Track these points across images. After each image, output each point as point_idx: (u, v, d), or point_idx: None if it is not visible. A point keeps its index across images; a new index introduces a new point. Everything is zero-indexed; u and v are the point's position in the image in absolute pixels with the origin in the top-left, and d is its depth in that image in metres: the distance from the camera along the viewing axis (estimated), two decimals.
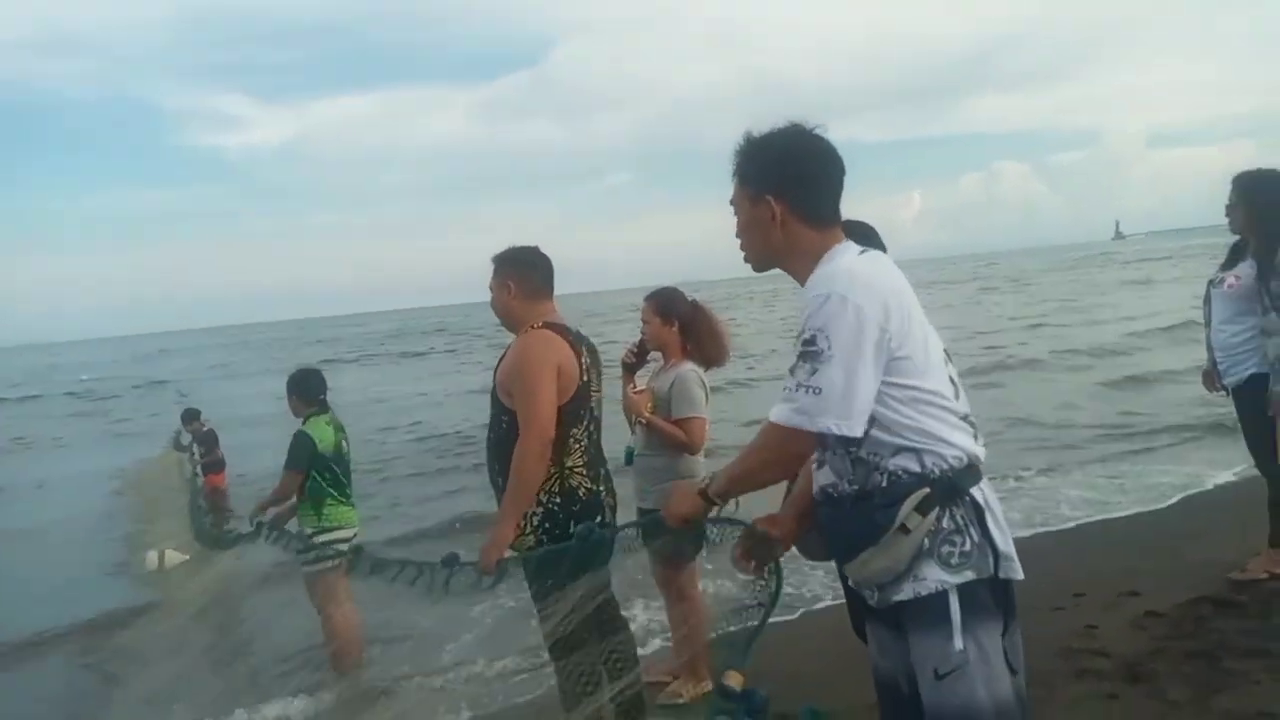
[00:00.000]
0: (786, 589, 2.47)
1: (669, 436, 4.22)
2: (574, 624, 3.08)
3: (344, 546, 5.10)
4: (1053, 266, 73.78)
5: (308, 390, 5.65)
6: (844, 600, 2.82)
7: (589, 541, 2.95)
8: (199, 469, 10.68)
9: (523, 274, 3.56)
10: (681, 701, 4.19)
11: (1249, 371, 4.59)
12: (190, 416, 11.39)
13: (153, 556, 7.10)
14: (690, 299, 4.51)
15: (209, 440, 11.12)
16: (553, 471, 3.38)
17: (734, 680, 2.17)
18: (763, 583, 2.35)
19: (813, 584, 6.00)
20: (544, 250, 3.65)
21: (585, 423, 3.49)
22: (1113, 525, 6.88)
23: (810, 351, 1.93)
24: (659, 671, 4.48)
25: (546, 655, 3.53)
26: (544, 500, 3.39)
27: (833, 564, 2.30)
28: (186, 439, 11.39)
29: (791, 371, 1.96)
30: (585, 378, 3.48)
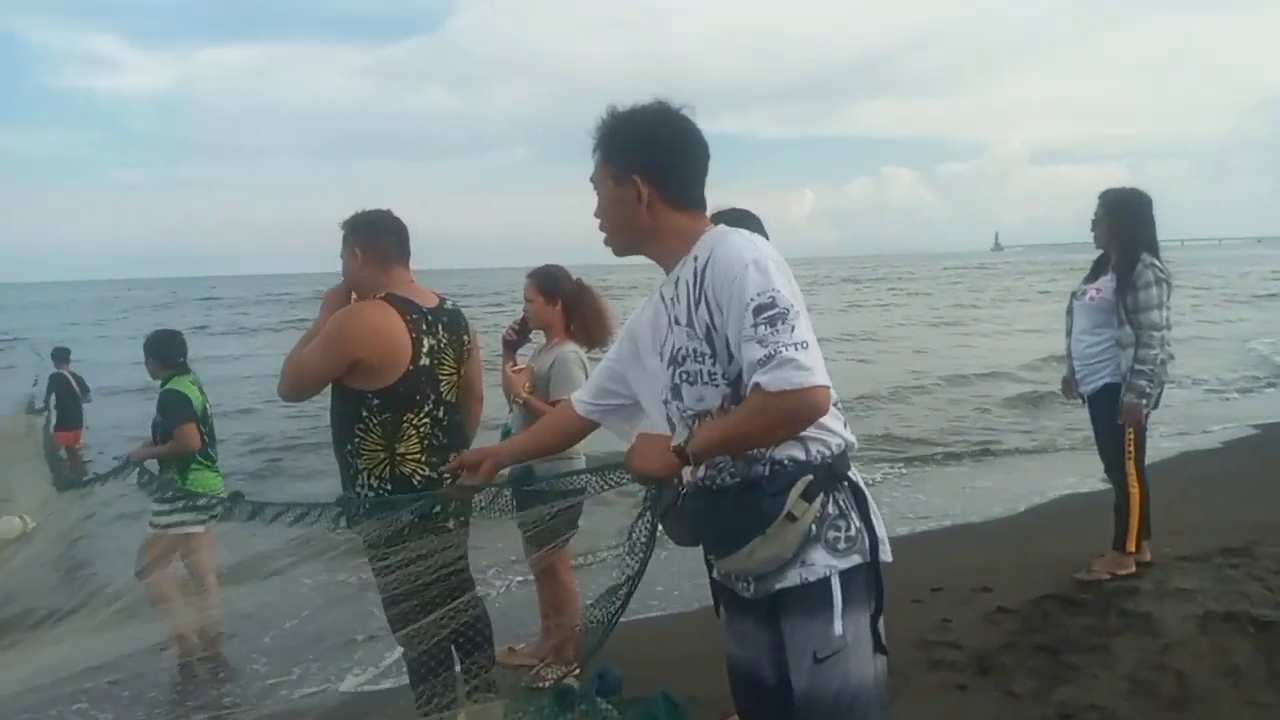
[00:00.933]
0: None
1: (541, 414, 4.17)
2: (412, 590, 2.99)
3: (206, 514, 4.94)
4: (937, 274, 76.26)
5: (167, 353, 5.43)
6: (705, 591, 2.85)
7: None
8: (49, 418, 9.98)
9: (370, 241, 3.32)
10: (545, 686, 4.17)
11: (1103, 381, 4.84)
12: (60, 356, 10.65)
13: (12, 522, 6.65)
14: (575, 278, 4.46)
15: (59, 386, 10.24)
16: (382, 457, 3.22)
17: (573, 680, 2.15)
18: (630, 559, 2.35)
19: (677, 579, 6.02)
20: (398, 215, 3.43)
21: (426, 407, 3.27)
22: (973, 528, 7.15)
23: (777, 313, 1.86)
24: (526, 654, 4.45)
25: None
26: (374, 484, 3.24)
27: (691, 552, 2.29)
28: (44, 396, 10.71)
29: (762, 341, 1.85)
30: (429, 360, 3.26)
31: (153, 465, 5.27)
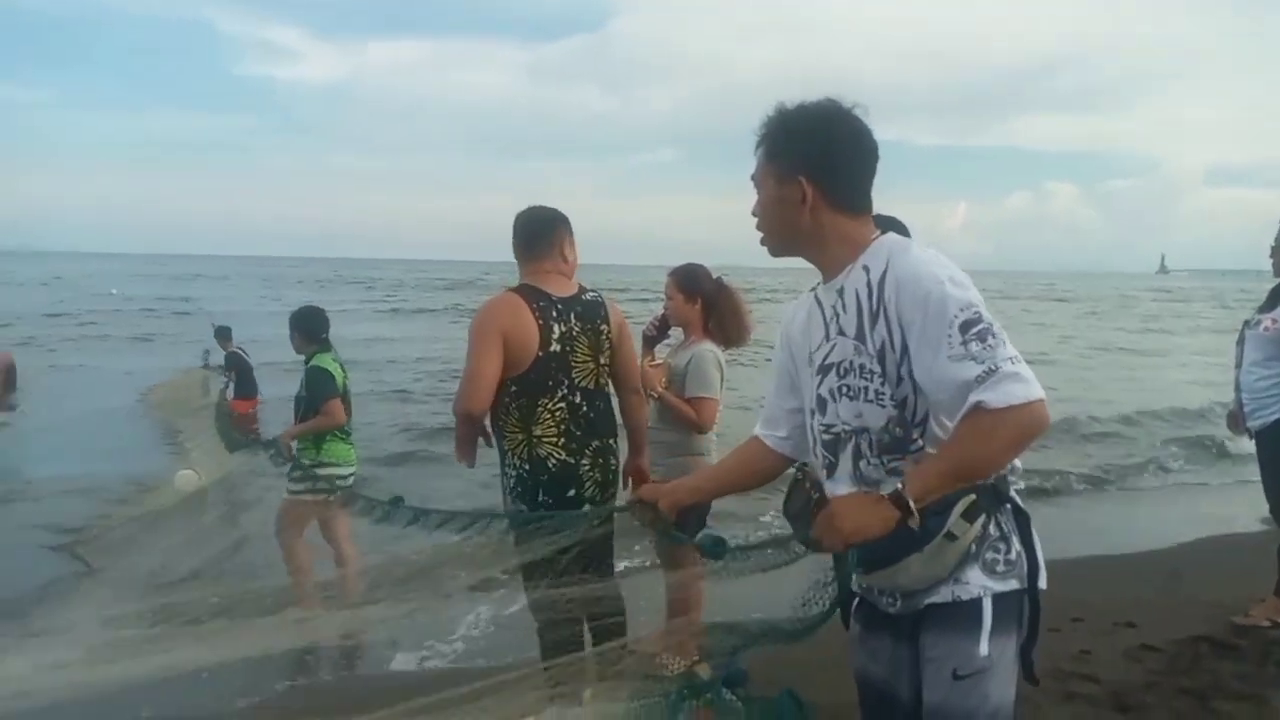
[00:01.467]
0: None
1: (679, 414, 4.20)
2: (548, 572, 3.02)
3: (339, 483, 5.37)
4: (1100, 294, 72.69)
5: (312, 328, 5.74)
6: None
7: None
8: (228, 387, 10.67)
9: (519, 235, 3.54)
10: (668, 674, 4.21)
11: (1274, 416, 4.54)
12: (223, 335, 11.38)
13: (190, 476, 7.01)
14: (716, 277, 4.47)
15: (237, 363, 11.01)
16: (520, 438, 3.39)
17: (703, 670, 2.15)
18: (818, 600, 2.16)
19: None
20: (556, 210, 3.60)
21: (560, 392, 3.39)
22: (1118, 560, 6.84)
23: (985, 328, 1.79)
24: (646, 645, 4.50)
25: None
26: (516, 465, 3.42)
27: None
28: (217, 358, 11.48)
29: (976, 358, 1.76)
30: (560, 346, 3.38)
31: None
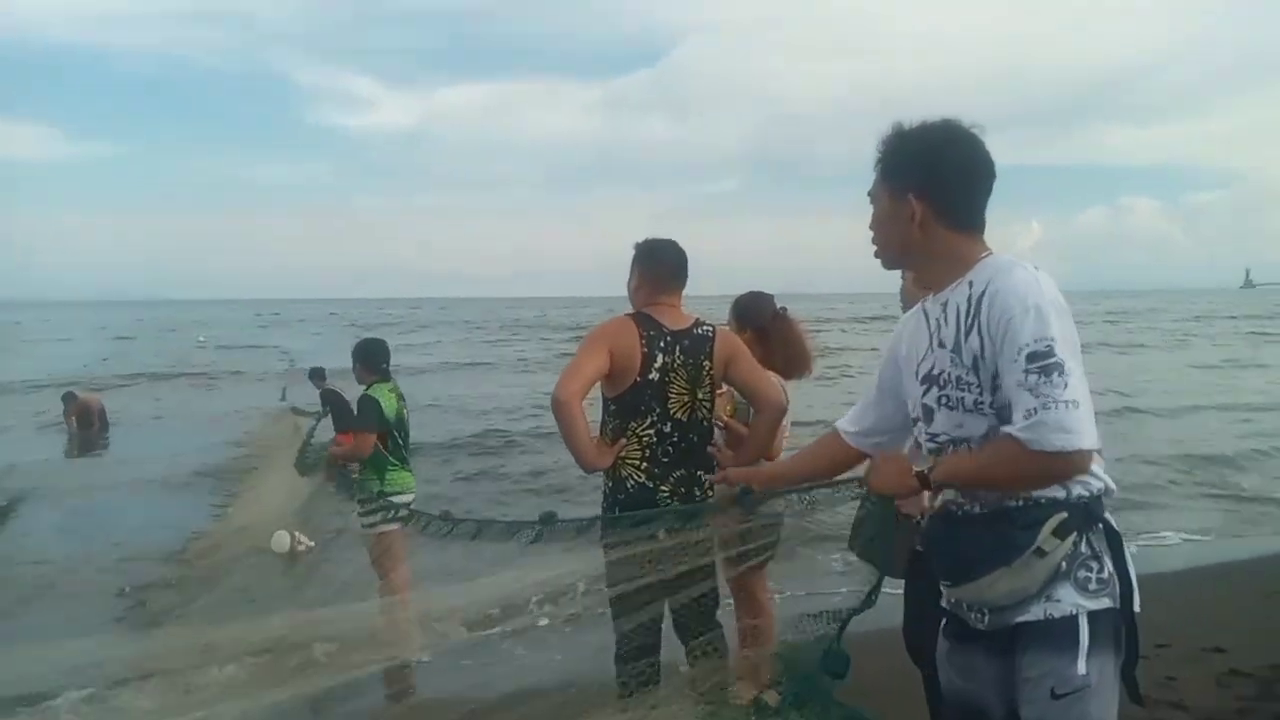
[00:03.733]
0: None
1: (738, 436, 4.20)
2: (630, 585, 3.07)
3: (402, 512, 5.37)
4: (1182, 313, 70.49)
5: (372, 359, 5.91)
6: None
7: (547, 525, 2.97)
8: (317, 424, 10.94)
9: (648, 267, 3.62)
10: (739, 703, 4.20)
11: None
12: (317, 375, 11.69)
13: (283, 537, 6.79)
14: (778, 308, 4.44)
15: (334, 400, 11.26)
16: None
17: (772, 699, 2.16)
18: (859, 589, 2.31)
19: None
20: (679, 245, 3.68)
21: (650, 419, 3.46)
22: (1205, 578, 6.64)
23: (1051, 364, 1.81)
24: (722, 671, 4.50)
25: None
26: (603, 482, 3.54)
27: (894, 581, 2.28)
28: (295, 396, 11.80)
29: (1034, 390, 1.81)
30: (659, 375, 3.44)
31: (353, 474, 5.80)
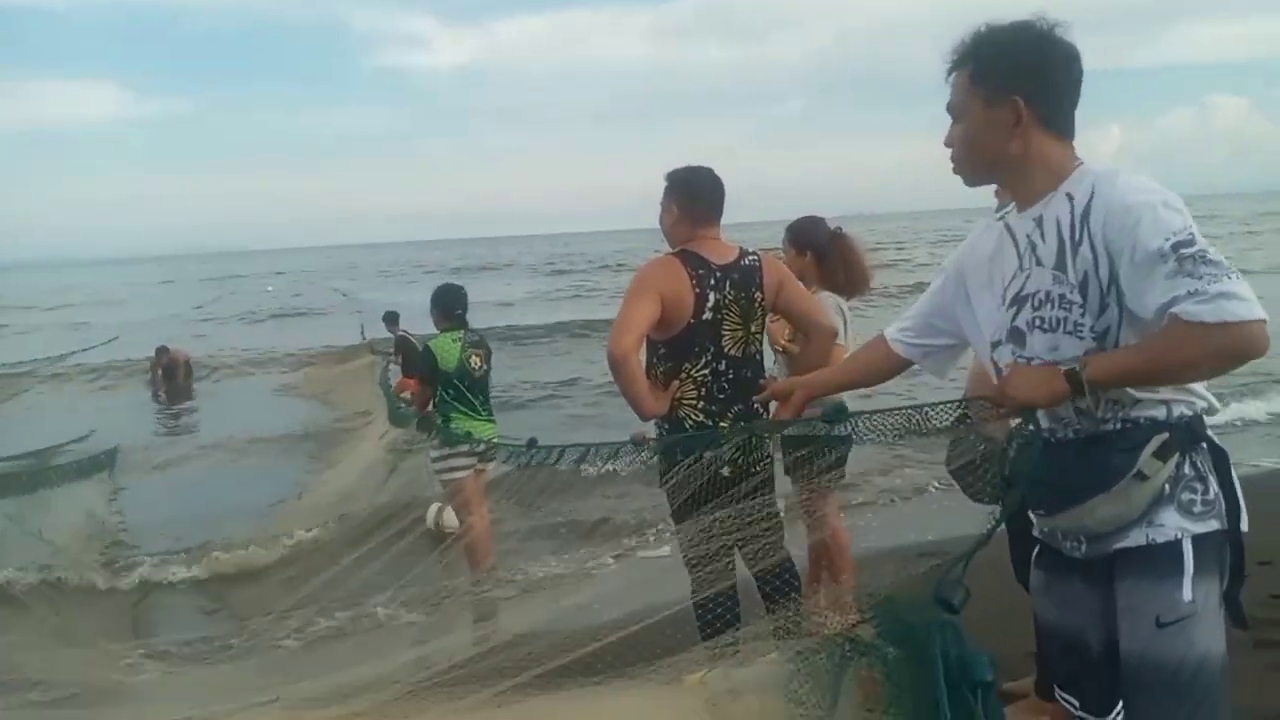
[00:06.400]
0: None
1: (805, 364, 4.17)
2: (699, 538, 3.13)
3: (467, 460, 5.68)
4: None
5: (448, 305, 5.98)
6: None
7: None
8: (387, 368, 11.24)
9: (685, 199, 3.51)
10: (827, 632, 4.17)
11: None
12: (391, 319, 12.02)
13: (443, 514, 6.56)
14: (834, 228, 4.48)
15: (405, 345, 11.49)
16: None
17: (865, 632, 2.11)
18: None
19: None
20: (715, 173, 3.58)
21: (705, 358, 3.40)
22: None
23: (1201, 249, 1.73)
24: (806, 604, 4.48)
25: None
26: (658, 424, 3.50)
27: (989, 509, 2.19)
28: (374, 334, 12.16)
29: (1191, 274, 1.70)
30: (711, 314, 3.37)
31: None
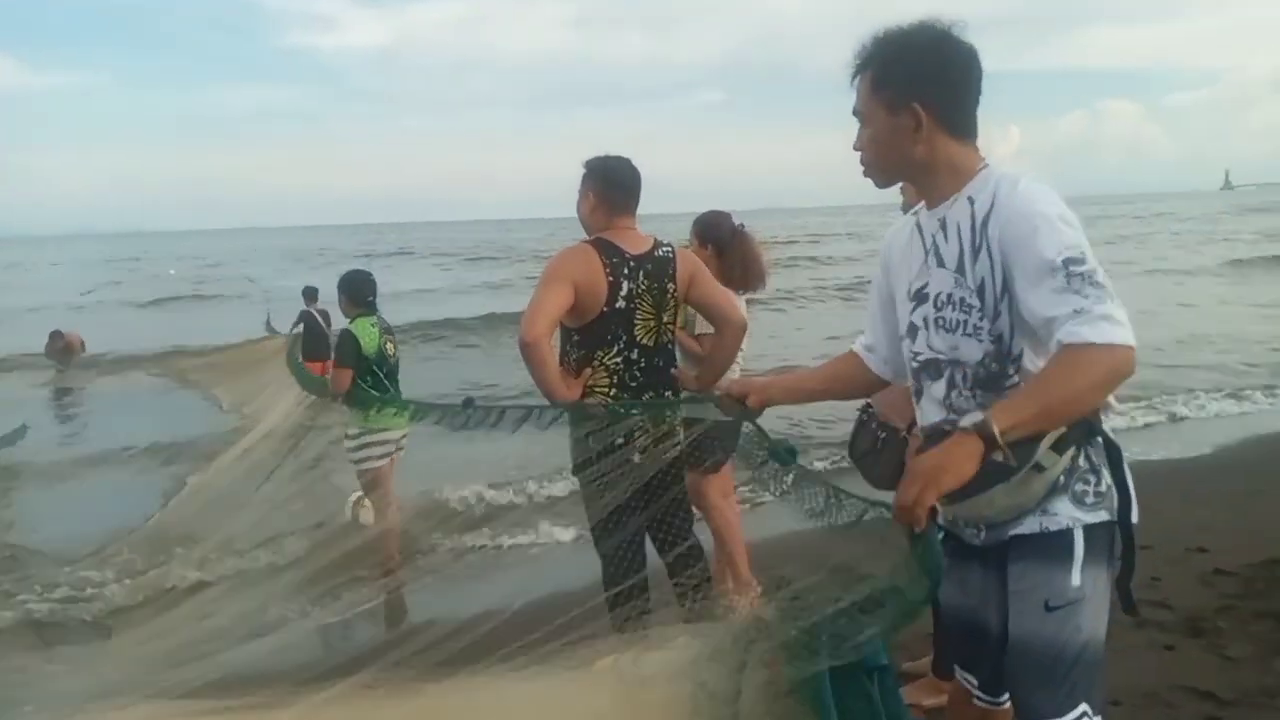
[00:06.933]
0: None
1: (689, 350, 4.23)
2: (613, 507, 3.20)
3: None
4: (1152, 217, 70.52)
5: (357, 291, 5.86)
6: None
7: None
8: (296, 342, 10.69)
9: (603, 188, 3.51)
10: (735, 614, 4.24)
11: None
12: (309, 294, 11.44)
13: (360, 507, 6.13)
14: (736, 224, 4.52)
15: (309, 322, 10.98)
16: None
17: (766, 612, 2.13)
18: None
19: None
20: (633, 164, 3.57)
21: (617, 347, 3.42)
22: (1186, 469, 6.73)
23: (1090, 270, 1.74)
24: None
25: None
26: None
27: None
28: (278, 322, 11.65)
29: (1078, 292, 1.72)
30: (624, 303, 3.40)
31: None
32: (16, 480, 8.85)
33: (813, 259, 34.75)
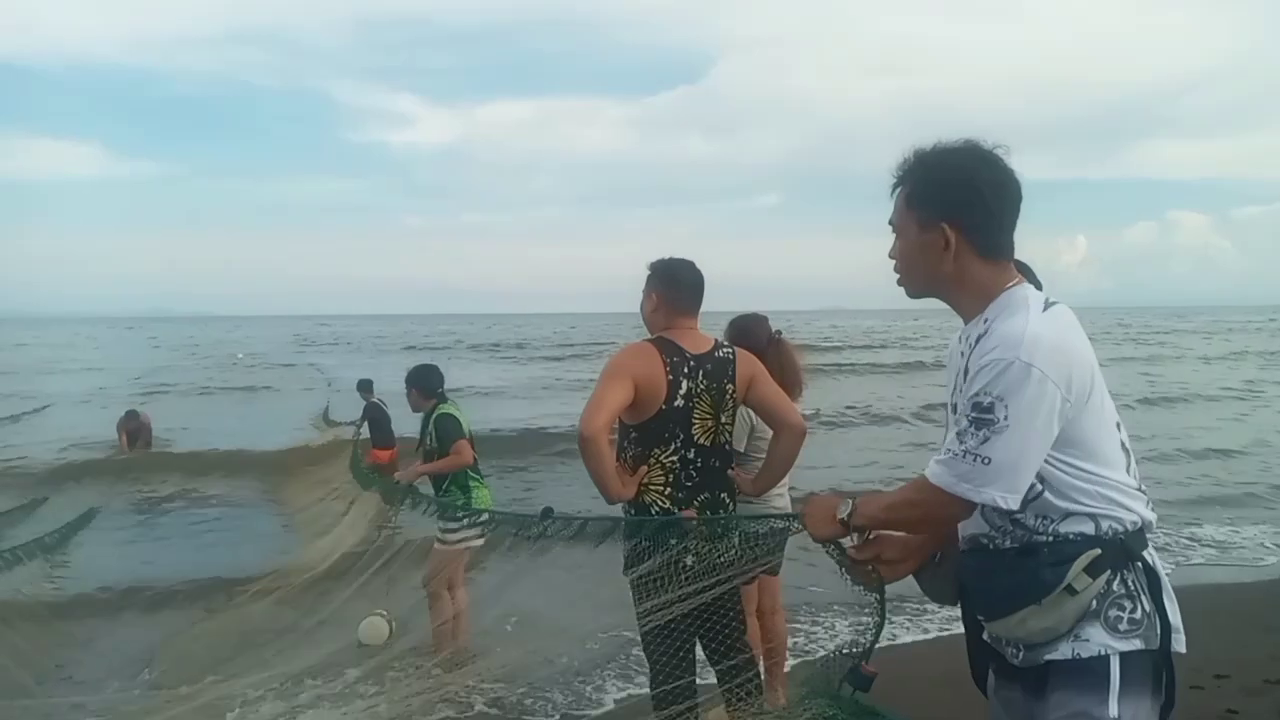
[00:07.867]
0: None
1: (739, 483, 4.11)
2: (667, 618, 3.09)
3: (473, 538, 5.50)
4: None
5: (428, 384, 5.94)
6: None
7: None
8: (358, 433, 10.68)
9: (667, 289, 3.54)
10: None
11: None
12: (365, 387, 11.49)
13: (380, 625, 5.93)
14: (774, 331, 4.43)
15: (375, 413, 10.97)
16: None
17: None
18: (870, 611, 2.29)
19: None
20: (697, 266, 3.61)
21: (674, 445, 3.40)
22: (1265, 590, 6.40)
23: (985, 419, 1.81)
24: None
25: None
26: (625, 509, 3.44)
27: (954, 608, 2.21)
28: (336, 413, 11.56)
29: (960, 435, 1.84)
30: (684, 401, 3.39)
31: (426, 489, 5.76)
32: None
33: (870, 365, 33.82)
